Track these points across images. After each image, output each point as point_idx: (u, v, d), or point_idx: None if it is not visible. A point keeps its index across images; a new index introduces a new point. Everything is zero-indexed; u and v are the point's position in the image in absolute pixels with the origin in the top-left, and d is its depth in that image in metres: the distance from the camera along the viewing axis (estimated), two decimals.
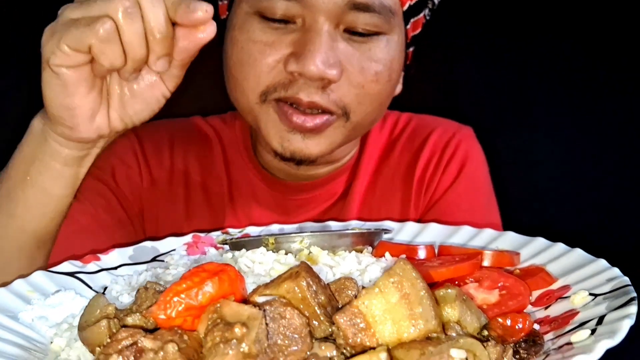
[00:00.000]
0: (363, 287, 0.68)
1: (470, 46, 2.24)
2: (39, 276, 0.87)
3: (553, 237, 0.90)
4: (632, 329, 0.61)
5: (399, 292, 0.58)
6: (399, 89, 1.23)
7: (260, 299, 0.60)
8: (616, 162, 2.30)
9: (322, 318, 0.59)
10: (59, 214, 1.03)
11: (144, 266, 0.96)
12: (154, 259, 0.99)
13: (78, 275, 0.91)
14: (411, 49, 1.21)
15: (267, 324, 0.56)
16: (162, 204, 1.29)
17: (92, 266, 0.94)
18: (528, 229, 0.95)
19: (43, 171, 0.98)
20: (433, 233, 1.01)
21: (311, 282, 0.62)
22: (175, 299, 0.58)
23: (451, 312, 0.63)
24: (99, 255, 0.97)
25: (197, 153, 1.33)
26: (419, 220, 1.26)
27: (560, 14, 2.22)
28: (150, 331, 0.59)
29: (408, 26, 1.13)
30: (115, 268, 0.95)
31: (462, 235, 0.99)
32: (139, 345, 0.54)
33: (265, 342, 0.54)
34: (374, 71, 1.06)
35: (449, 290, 0.63)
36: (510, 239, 0.94)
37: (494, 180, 1.33)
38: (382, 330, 0.57)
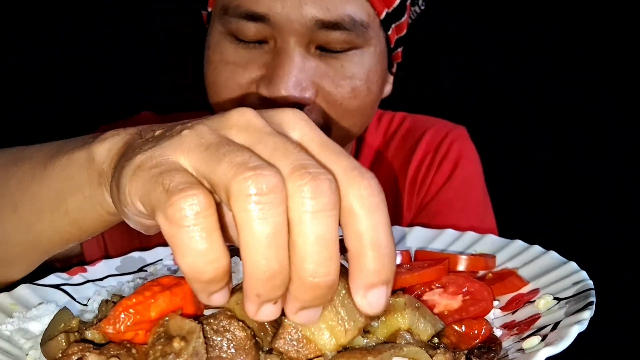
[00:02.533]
0: None
1: (465, 45, 2.23)
2: (23, 289, 0.89)
3: (545, 237, 0.89)
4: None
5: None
6: (388, 90, 1.22)
7: (207, 312, 0.61)
8: (612, 161, 2.27)
9: (268, 329, 0.60)
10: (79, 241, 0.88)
11: (129, 277, 0.98)
12: (140, 269, 1.01)
13: (63, 287, 0.94)
14: (400, 50, 1.20)
15: (209, 337, 0.57)
16: None
17: (78, 278, 0.96)
18: (522, 228, 0.94)
19: (84, 209, 0.75)
20: (416, 237, 1.01)
21: None
22: (124, 313, 0.59)
23: (401, 320, 0.63)
24: (85, 266, 0.99)
25: None
26: (410, 223, 1.27)
27: (556, 13, 2.19)
28: (104, 345, 0.61)
29: (389, 32, 1.12)
30: (101, 279, 0.97)
31: (444, 239, 0.98)
32: (85, 359, 0.56)
33: (204, 356, 0.55)
34: (350, 87, 1.05)
35: (397, 299, 0.63)
36: (489, 242, 0.93)
37: (487, 180, 1.32)
38: (321, 340, 0.57)
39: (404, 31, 1.17)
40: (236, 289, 0.64)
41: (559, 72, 2.22)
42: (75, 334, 0.66)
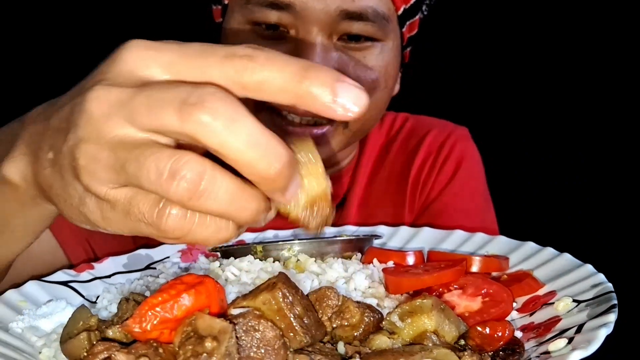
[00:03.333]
0: (344, 296, 0.69)
1: (468, 46, 2.24)
2: (31, 286, 0.88)
3: (547, 238, 0.90)
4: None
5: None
6: (396, 89, 1.23)
7: (235, 311, 0.61)
8: (615, 160, 2.29)
9: (297, 329, 0.60)
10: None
11: (137, 274, 0.97)
12: (147, 267, 1.00)
13: (71, 284, 0.92)
14: (408, 49, 1.21)
15: (239, 337, 0.56)
16: None
17: (85, 275, 0.95)
18: (523, 229, 0.95)
19: (30, 222, 0.71)
20: (425, 238, 1.01)
21: (287, 293, 0.62)
22: (150, 312, 0.58)
23: (428, 322, 0.63)
24: (92, 263, 0.98)
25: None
26: (413, 223, 1.27)
27: (559, 15, 2.20)
28: (128, 344, 0.60)
29: (404, 29, 1.13)
30: (109, 276, 0.96)
31: (454, 240, 0.99)
32: (113, 359, 0.55)
33: (236, 356, 0.55)
34: (370, 79, 1.07)
35: (425, 301, 0.63)
36: (500, 244, 0.93)
37: (489, 181, 1.33)
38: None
39: (416, 30, 1.18)
40: (261, 289, 0.64)
41: (561, 72, 2.23)
42: (96, 332, 0.65)
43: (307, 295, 0.68)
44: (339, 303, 0.68)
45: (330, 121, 1.08)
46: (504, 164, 1.78)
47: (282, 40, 1.04)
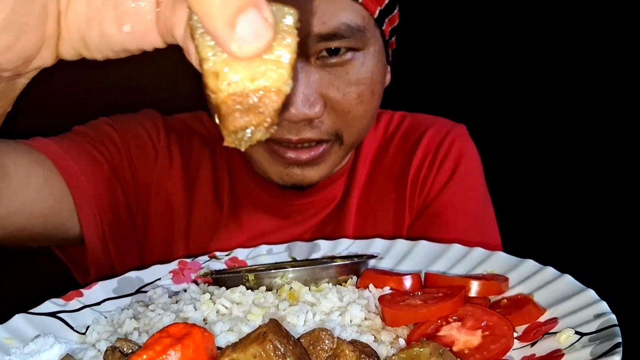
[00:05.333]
0: (338, 338, 0.66)
1: (465, 44, 2.20)
2: (18, 320, 0.86)
3: (545, 235, 0.87)
4: None
5: None
6: (387, 79, 1.22)
7: None
8: (612, 159, 2.27)
9: None
10: None
11: (127, 300, 0.95)
12: (138, 290, 0.98)
13: (60, 314, 0.90)
14: (393, 38, 1.19)
15: None
16: (171, 187, 1.29)
17: (74, 303, 0.92)
18: (521, 226, 0.92)
19: None
20: (422, 253, 0.99)
21: (278, 345, 0.59)
22: None
23: None
24: (81, 290, 0.95)
25: (209, 151, 1.33)
26: (413, 224, 1.25)
27: (558, 13, 2.16)
28: None
29: (383, 27, 1.12)
30: (99, 304, 0.94)
31: (452, 256, 0.96)
32: None
33: None
34: (356, 93, 1.06)
35: (422, 349, 0.61)
36: (499, 261, 0.91)
37: (488, 178, 1.31)
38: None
39: (397, 21, 1.17)
40: (252, 339, 0.61)
41: (560, 70, 2.21)
42: None
43: (299, 338, 0.66)
44: (334, 346, 0.65)
45: (324, 141, 1.08)
46: (502, 161, 1.76)
47: None
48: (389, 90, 1.21)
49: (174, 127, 1.34)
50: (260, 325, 0.63)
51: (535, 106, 2.25)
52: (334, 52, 1.04)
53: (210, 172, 1.31)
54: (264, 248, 1.07)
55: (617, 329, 0.67)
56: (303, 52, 1.00)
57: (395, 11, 1.15)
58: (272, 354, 0.58)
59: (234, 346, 0.62)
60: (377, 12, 1.09)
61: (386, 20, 1.12)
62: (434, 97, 1.85)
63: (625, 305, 0.70)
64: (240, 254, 1.06)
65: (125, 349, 0.67)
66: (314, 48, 1.02)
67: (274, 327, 0.62)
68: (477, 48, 2.23)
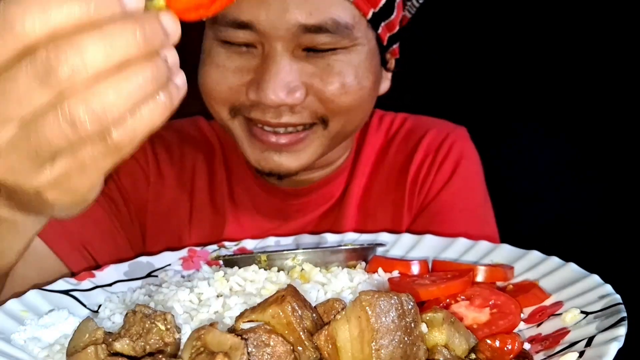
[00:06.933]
0: None
1: (467, 46, 2.24)
2: (33, 295, 0.87)
3: (546, 237, 0.89)
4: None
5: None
6: (385, 86, 1.22)
7: (245, 325, 0.60)
8: (614, 161, 2.29)
9: (307, 343, 0.59)
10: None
11: (138, 282, 0.97)
12: (149, 274, 1.00)
13: (72, 293, 0.92)
14: (395, 46, 1.20)
15: (250, 353, 0.56)
16: (167, 201, 1.30)
17: (86, 283, 0.94)
18: (522, 228, 0.94)
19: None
20: (428, 246, 1.01)
21: (296, 307, 0.61)
22: None
23: (438, 336, 0.62)
24: (93, 272, 0.97)
25: (204, 156, 1.34)
26: (412, 223, 1.27)
27: (558, 14, 2.21)
28: (137, 359, 0.59)
29: (379, 31, 1.12)
30: (110, 285, 0.95)
31: (457, 248, 0.98)
32: None
33: None
34: (339, 84, 1.06)
35: (436, 314, 0.63)
36: (505, 252, 0.93)
37: (488, 181, 1.32)
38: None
39: (396, 28, 1.17)
40: (270, 302, 0.63)
41: (561, 71, 2.23)
42: (103, 345, 0.64)
43: (314, 307, 0.68)
44: None
45: (307, 127, 1.08)
46: (502, 163, 1.78)
47: (251, 56, 1.06)
48: (390, 92, 1.23)
49: (162, 141, 1.35)
50: (278, 289, 0.65)
51: (537, 109, 2.28)
52: (320, 50, 1.05)
53: (206, 176, 1.33)
54: (272, 239, 1.09)
55: (622, 306, 0.69)
56: (289, 44, 1.02)
57: (394, 16, 1.14)
58: (290, 315, 0.60)
59: (253, 309, 0.64)
60: (371, 14, 1.09)
61: (382, 24, 1.12)
62: (434, 98, 1.87)
63: (627, 305, 0.72)
64: (249, 244, 1.08)
65: (145, 312, 0.68)
66: (299, 40, 1.02)
67: (292, 291, 0.64)
68: (478, 49, 2.26)
